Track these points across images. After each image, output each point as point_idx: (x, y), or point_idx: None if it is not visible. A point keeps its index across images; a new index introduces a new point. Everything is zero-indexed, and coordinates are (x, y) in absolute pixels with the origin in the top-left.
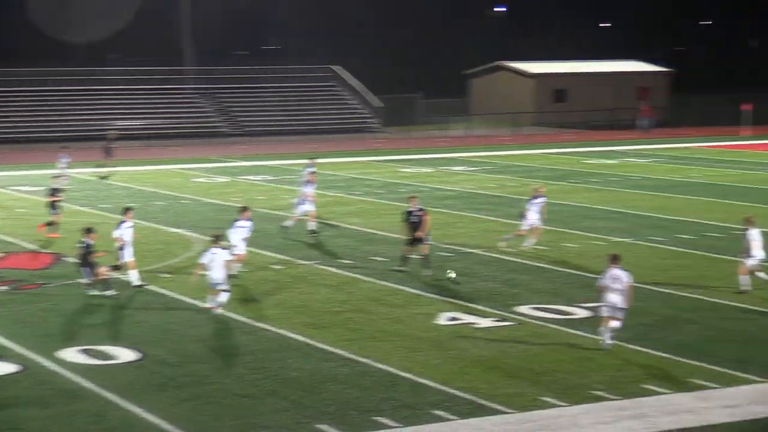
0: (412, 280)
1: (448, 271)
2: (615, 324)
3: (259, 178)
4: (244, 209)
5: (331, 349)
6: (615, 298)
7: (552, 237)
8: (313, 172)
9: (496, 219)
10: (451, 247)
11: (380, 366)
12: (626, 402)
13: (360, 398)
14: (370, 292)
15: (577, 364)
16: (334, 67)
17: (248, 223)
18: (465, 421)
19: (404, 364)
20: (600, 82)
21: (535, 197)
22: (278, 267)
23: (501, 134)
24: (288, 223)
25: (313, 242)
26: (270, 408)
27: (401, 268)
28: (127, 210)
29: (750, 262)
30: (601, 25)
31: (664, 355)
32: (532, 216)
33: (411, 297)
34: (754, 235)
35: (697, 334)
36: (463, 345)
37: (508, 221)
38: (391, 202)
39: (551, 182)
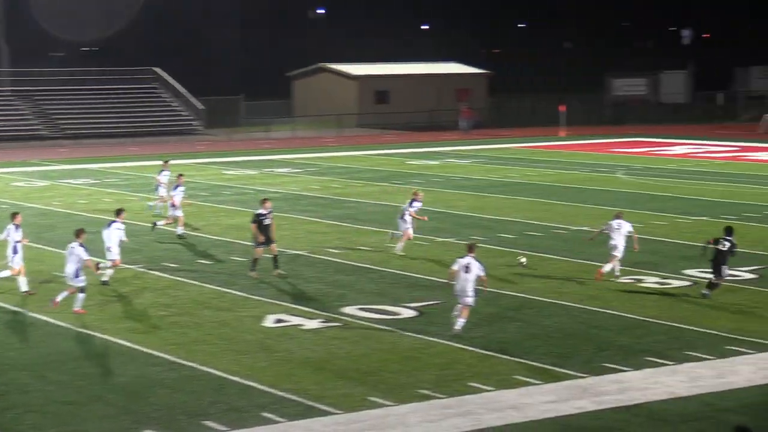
0: (238, 282)
1: (520, 257)
2: (463, 318)
3: (80, 181)
4: (119, 211)
5: (158, 353)
6: (464, 285)
7: (375, 238)
8: (180, 175)
9: (320, 221)
10: (277, 248)
11: (207, 369)
12: (452, 400)
13: (187, 402)
14: (195, 296)
15: (404, 364)
16: (155, 69)
17: (123, 225)
18: (294, 422)
19: (232, 367)
20: (421, 83)
21: (413, 200)
22: (101, 271)
23: (324, 136)
24: (179, 230)
25: (137, 246)
26: (95, 414)
27: (252, 273)
28: (14, 215)
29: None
30: (421, 27)
31: (488, 353)
32: (408, 219)
33: (237, 300)
34: (617, 226)
35: (520, 331)
36: (290, 347)
37: (333, 223)
38: (215, 205)
39: (375, 183)
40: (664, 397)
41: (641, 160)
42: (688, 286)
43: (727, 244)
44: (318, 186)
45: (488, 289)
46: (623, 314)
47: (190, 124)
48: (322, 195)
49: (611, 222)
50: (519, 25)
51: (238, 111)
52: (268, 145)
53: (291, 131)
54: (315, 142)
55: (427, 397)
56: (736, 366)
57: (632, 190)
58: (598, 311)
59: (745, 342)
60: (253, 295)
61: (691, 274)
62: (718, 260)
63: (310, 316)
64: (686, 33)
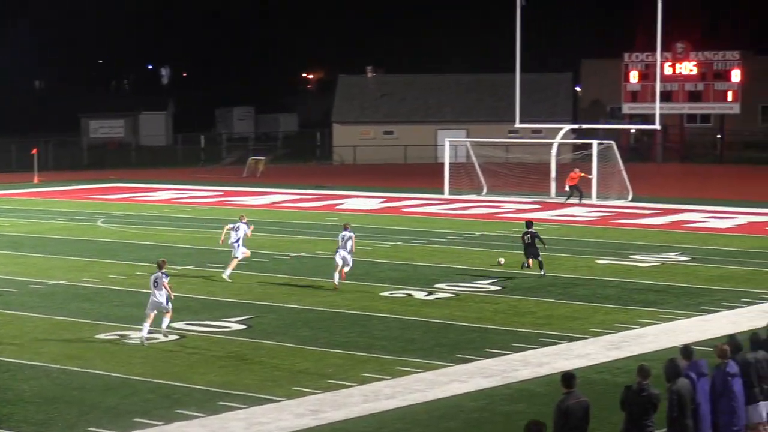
0: None
1: (499, 258)
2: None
3: None
4: None
5: None
6: (159, 298)
7: None
8: None
9: None
10: None
11: None
12: None
13: None
14: None
15: None
16: None
17: None
18: None
19: None
20: None
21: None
22: None
23: None
24: None
25: None
26: None
27: None
28: None
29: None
30: None
31: None
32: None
33: None
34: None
35: None
36: None
37: None
38: None
39: None
40: None
41: (122, 206)
42: (176, 340)
43: (530, 236)
44: None
45: None
46: (107, 373)
47: None
48: None
49: (342, 233)
50: None
51: None
52: None
53: None
54: None
55: None
56: (228, 422)
57: (114, 239)
58: (80, 371)
59: (236, 396)
60: None
61: (180, 327)
62: (528, 249)
63: None
64: (164, 72)
